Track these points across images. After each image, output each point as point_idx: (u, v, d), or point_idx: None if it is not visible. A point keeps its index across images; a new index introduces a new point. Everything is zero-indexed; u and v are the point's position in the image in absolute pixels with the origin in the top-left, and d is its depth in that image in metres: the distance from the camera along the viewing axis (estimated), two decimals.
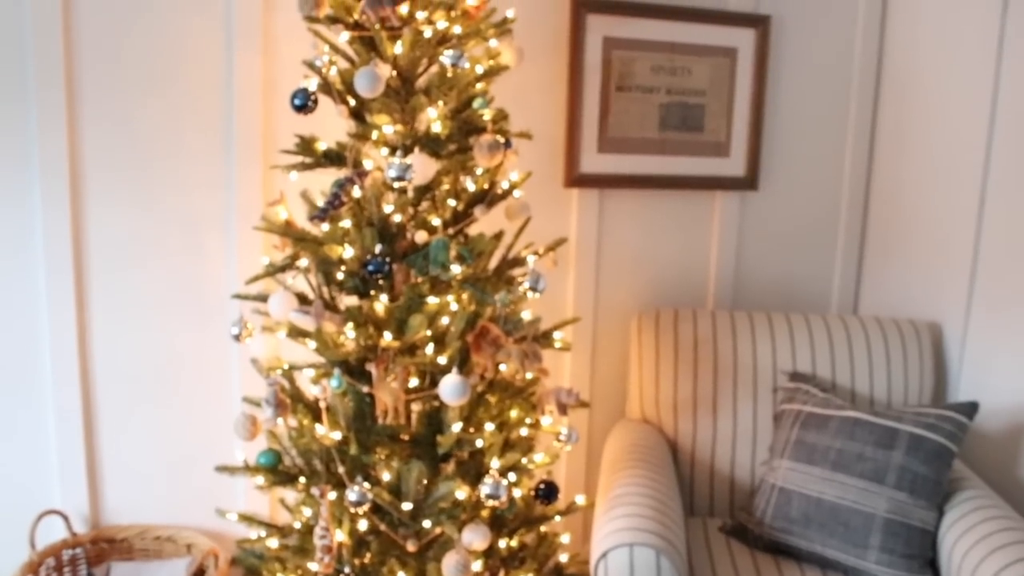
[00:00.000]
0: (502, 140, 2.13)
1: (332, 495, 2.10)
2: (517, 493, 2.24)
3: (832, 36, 3.27)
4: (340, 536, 2.12)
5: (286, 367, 2.28)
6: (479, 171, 2.24)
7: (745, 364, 2.85)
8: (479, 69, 2.19)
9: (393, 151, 2.11)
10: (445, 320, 2.14)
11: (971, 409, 2.50)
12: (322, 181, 2.30)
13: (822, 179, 3.36)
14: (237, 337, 2.26)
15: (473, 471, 2.18)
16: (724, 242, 3.24)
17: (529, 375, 2.28)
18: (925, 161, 3.09)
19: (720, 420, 2.82)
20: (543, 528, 2.46)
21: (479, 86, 2.20)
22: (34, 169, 2.48)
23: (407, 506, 2.07)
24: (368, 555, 2.15)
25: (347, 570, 2.13)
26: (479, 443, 2.14)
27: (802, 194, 3.35)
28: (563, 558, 2.53)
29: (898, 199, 3.25)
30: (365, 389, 2.09)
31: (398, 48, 2.11)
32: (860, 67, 3.30)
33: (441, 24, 2.13)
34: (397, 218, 2.12)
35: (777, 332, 2.88)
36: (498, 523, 2.31)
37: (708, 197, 3.21)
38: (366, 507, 2.02)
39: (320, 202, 2.25)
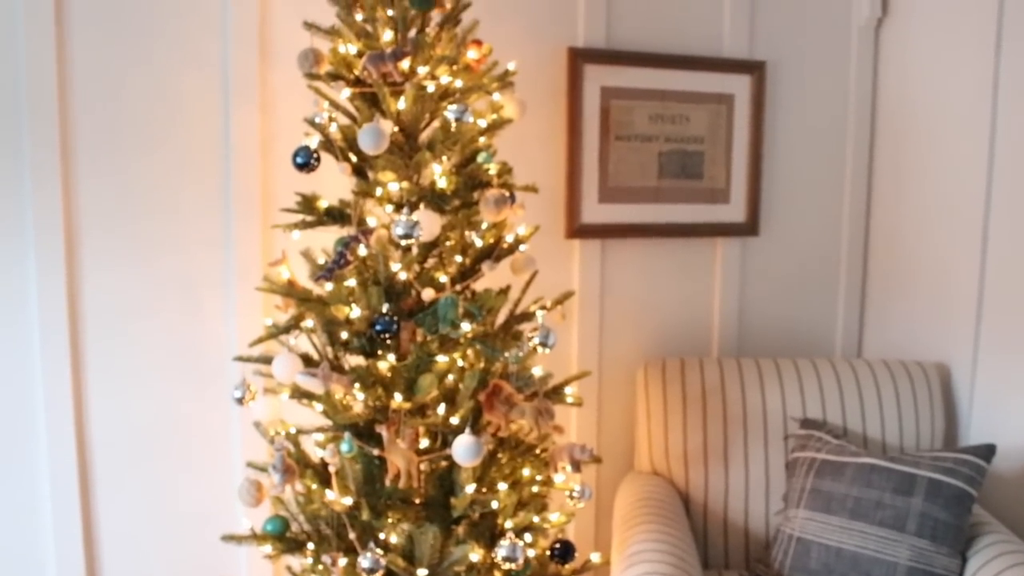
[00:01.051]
0: (508, 194, 2.11)
1: (343, 562, 2.04)
2: (531, 553, 2.18)
3: (826, 79, 3.29)
4: None
5: (292, 430, 2.23)
6: (485, 226, 2.21)
7: (755, 412, 2.81)
8: (482, 123, 2.17)
9: (398, 208, 2.08)
10: (452, 378, 2.10)
11: (988, 452, 2.46)
12: (323, 239, 2.26)
13: (822, 222, 3.36)
14: (240, 400, 2.21)
15: (486, 532, 2.13)
16: (727, 288, 3.22)
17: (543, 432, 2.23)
18: (924, 200, 3.09)
19: (732, 470, 2.77)
20: None
21: (483, 140, 2.18)
22: (28, 230, 2.43)
23: (422, 572, 2.01)
24: None
25: None
26: (494, 504, 2.08)
27: (803, 238, 3.34)
28: None
29: (898, 239, 3.24)
30: (375, 452, 2.04)
31: (401, 104, 2.09)
32: (855, 109, 3.32)
33: (444, 79, 2.12)
34: (403, 276, 2.09)
35: (785, 378, 2.85)
36: None
37: (709, 244, 3.19)
38: (379, 574, 1.96)
39: (322, 260, 2.23)
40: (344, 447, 1.97)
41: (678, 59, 3.01)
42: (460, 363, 2.15)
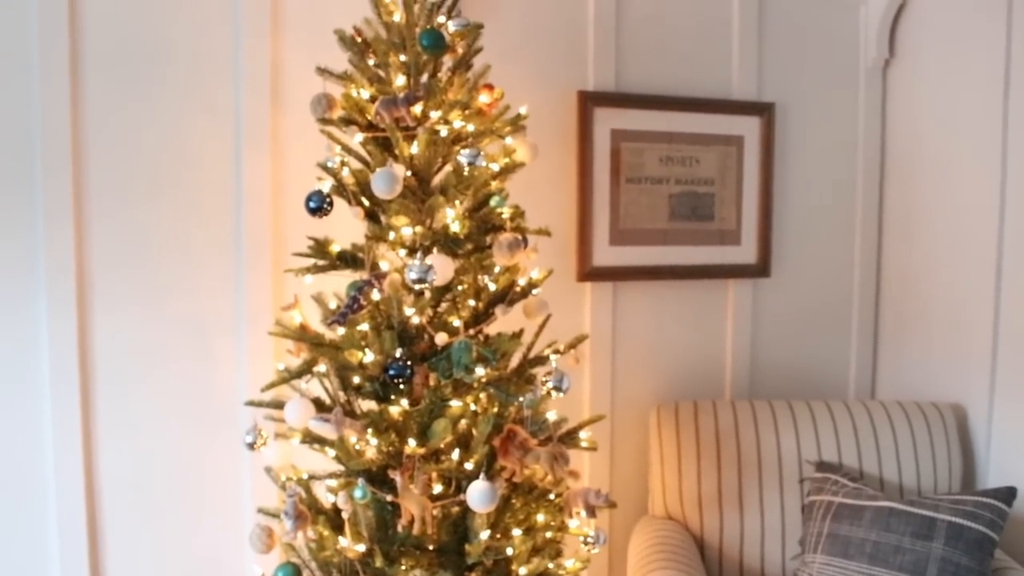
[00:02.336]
0: (521, 238, 2.10)
1: None
2: None
3: (835, 120, 3.30)
4: None
5: (304, 476, 2.20)
6: (497, 270, 2.20)
7: (769, 455, 2.78)
8: (495, 167, 2.17)
9: (411, 252, 2.08)
10: (465, 422, 2.08)
11: (1009, 495, 2.43)
12: (335, 284, 2.25)
13: (833, 263, 3.35)
14: (251, 445, 2.19)
15: None
16: (739, 330, 3.20)
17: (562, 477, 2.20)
18: (936, 239, 3.08)
19: (747, 514, 2.74)
20: None
21: (495, 184, 2.18)
22: (40, 272, 2.43)
23: None
24: None
25: None
26: (508, 551, 2.05)
27: (814, 279, 3.33)
28: None
29: (911, 279, 3.23)
30: (388, 498, 2.01)
31: (414, 148, 2.09)
32: (864, 149, 3.33)
33: (456, 123, 2.12)
34: (416, 320, 2.07)
35: (800, 421, 2.82)
36: None
37: (721, 286, 3.19)
38: None
39: (334, 305, 2.22)
40: (357, 493, 1.95)
41: (687, 101, 3.03)
42: (474, 408, 2.13)
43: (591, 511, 2.17)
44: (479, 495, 1.91)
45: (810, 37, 3.25)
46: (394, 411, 2.06)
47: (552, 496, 2.26)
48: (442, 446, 2.03)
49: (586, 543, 2.27)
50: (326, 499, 2.23)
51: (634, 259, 3.00)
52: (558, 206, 2.93)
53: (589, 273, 2.94)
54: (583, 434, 2.26)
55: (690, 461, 2.79)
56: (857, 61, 3.32)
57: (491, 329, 2.22)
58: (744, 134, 3.11)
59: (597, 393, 3.02)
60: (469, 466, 2.01)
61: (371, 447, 2.03)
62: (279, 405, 2.12)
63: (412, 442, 1.99)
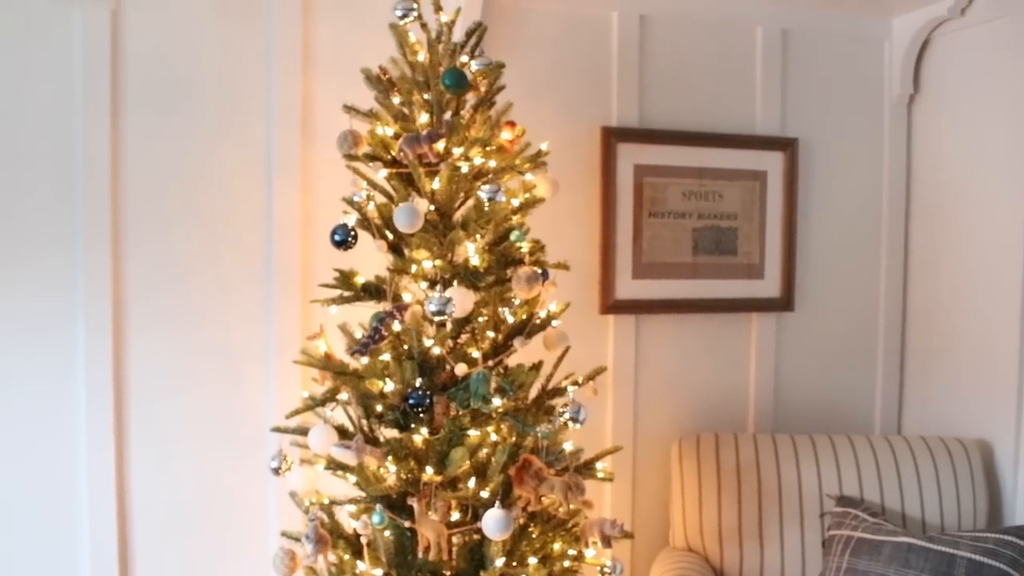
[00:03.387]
0: (540, 271, 2.15)
1: None
2: None
3: (859, 155, 3.32)
4: None
5: (326, 501, 2.26)
6: (517, 302, 2.25)
7: (790, 489, 2.78)
8: (515, 202, 2.23)
9: (432, 284, 2.14)
10: (485, 451, 2.12)
11: None
12: (360, 314, 2.32)
13: (858, 297, 3.35)
14: (276, 471, 2.25)
15: None
16: (762, 363, 3.22)
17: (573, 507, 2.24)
18: (962, 273, 3.08)
19: (767, 548, 2.74)
20: None
21: (516, 218, 2.23)
22: (78, 294, 2.53)
23: None
24: None
25: None
26: None
27: (839, 313, 3.33)
28: None
29: (937, 314, 3.23)
30: (406, 524, 2.06)
31: (436, 184, 2.15)
32: (889, 184, 3.34)
33: (477, 159, 2.18)
34: (437, 351, 2.13)
35: (821, 455, 2.83)
36: None
37: (744, 319, 3.21)
38: None
39: (358, 335, 2.28)
40: (375, 519, 2.00)
41: (710, 137, 3.07)
42: (494, 437, 2.18)
43: (607, 541, 2.19)
44: (494, 523, 1.95)
45: (834, 73, 3.28)
46: (414, 439, 2.11)
47: (569, 526, 2.29)
48: (459, 474, 2.07)
49: (603, 573, 2.29)
50: (348, 524, 2.28)
51: (657, 292, 3.03)
52: (582, 239, 2.98)
53: (612, 306, 2.98)
54: (600, 465, 2.29)
55: (711, 494, 2.80)
56: (882, 96, 3.34)
57: (512, 360, 2.26)
58: (768, 169, 3.14)
59: (619, 425, 3.04)
60: (485, 494, 2.05)
61: (391, 474, 2.08)
62: (304, 432, 2.18)
63: (429, 469, 2.03)
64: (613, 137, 2.94)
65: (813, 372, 3.32)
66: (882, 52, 3.33)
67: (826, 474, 2.79)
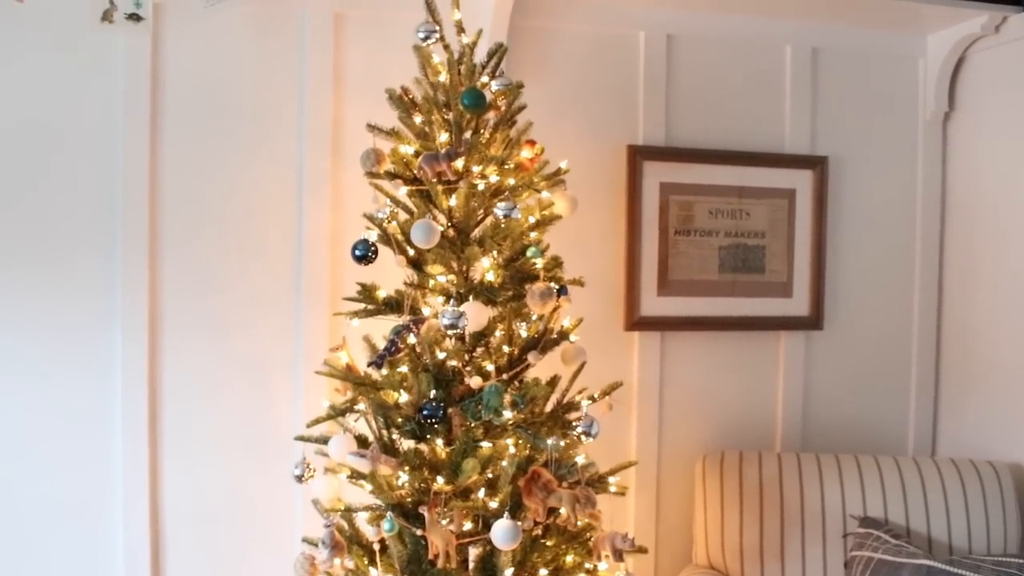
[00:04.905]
0: (555, 287, 2.19)
1: None
2: None
3: (892, 174, 3.30)
4: None
5: (343, 508, 2.32)
6: (533, 317, 2.29)
7: (813, 508, 2.77)
8: (532, 219, 2.27)
9: (448, 299, 2.19)
10: (504, 464, 2.16)
11: None
12: (384, 327, 2.38)
13: (890, 317, 3.32)
14: (300, 478, 2.32)
15: None
16: (790, 383, 3.21)
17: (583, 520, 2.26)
18: (998, 294, 3.04)
19: (788, 567, 2.73)
20: None
21: (533, 235, 2.28)
22: (116, 307, 2.64)
23: None
24: None
25: None
26: None
27: (870, 332, 3.31)
28: None
29: (972, 335, 3.19)
30: (419, 532, 2.11)
31: (453, 201, 2.21)
32: (923, 202, 3.31)
33: (494, 178, 2.23)
34: (452, 363, 2.18)
35: (846, 475, 2.81)
36: None
37: (772, 337, 3.20)
38: None
39: (382, 347, 2.34)
40: (386, 526, 2.05)
41: (738, 155, 3.08)
42: (512, 450, 2.22)
43: (618, 555, 2.21)
44: (502, 533, 1.99)
45: (866, 91, 3.27)
46: (430, 449, 2.16)
47: (584, 539, 2.31)
48: (471, 485, 2.12)
49: None
50: (368, 532, 2.33)
51: (682, 309, 3.05)
52: (607, 256, 3.01)
53: (637, 322, 3.01)
54: (613, 479, 2.32)
55: (733, 511, 2.80)
56: (916, 114, 3.32)
57: (531, 374, 2.30)
58: (796, 187, 3.14)
59: (644, 441, 3.06)
60: (494, 505, 2.09)
61: (405, 483, 2.13)
62: (327, 441, 2.25)
63: (440, 479, 2.08)
64: (639, 155, 2.97)
65: (844, 393, 3.30)
66: (916, 69, 3.31)
67: (850, 494, 2.78)
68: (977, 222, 3.17)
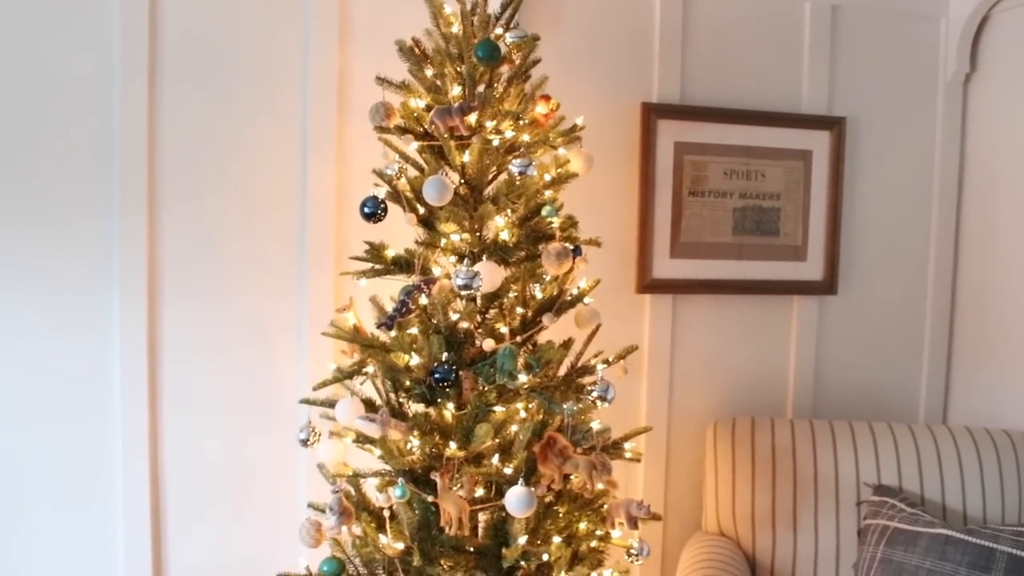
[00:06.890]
0: (571, 247, 2.12)
1: None
2: None
3: (910, 135, 3.23)
4: None
5: (351, 474, 2.26)
6: (547, 278, 2.22)
7: (826, 476, 2.72)
8: (547, 177, 2.19)
9: (461, 259, 2.12)
10: (515, 428, 2.10)
11: None
12: (392, 287, 2.31)
13: (905, 282, 3.27)
14: (305, 442, 2.26)
15: None
16: (803, 348, 3.15)
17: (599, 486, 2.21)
18: (1015, 259, 2.98)
19: (801, 535, 2.69)
20: None
21: (548, 193, 2.20)
22: (114, 260, 2.55)
23: None
24: None
25: None
26: (545, 556, 2.07)
27: (884, 298, 3.25)
28: None
29: (987, 302, 3.13)
30: (430, 499, 2.05)
31: (466, 157, 2.13)
32: (941, 165, 3.24)
33: (509, 133, 2.15)
34: (464, 325, 2.11)
35: (860, 442, 2.76)
36: None
37: (785, 302, 3.14)
38: None
39: (390, 308, 2.27)
40: (397, 492, 1.99)
41: (754, 115, 3.00)
42: (523, 414, 2.16)
43: (633, 522, 2.16)
44: (517, 500, 1.93)
45: (886, 50, 3.19)
46: (441, 414, 2.10)
47: (597, 506, 2.26)
48: (484, 450, 2.06)
49: (630, 555, 2.26)
50: (376, 498, 2.28)
51: (695, 272, 2.98)
52: (619, 217, 2.94)
53: (648, 285, 2.94)
54: (628, 445, 2.26)
55: (744, 478, 2.75)
56: (936, 75, 3.24)
57: (543, 337, 2.23)
58: (813, 148, 3.07)
59: (654, 406, 3.00)
60: (509, 471, 2.03)
61: (415, 448, 2.07)
62: (333, 404, 2.18)
63: (453, 444, 2.02)
64: (653, 114, 2.89)
65: (856, 358, 3.25)
66: (938, 29, 3.23)
67: (864, 462, 2.73)
68: (996, 187, 3.10)
